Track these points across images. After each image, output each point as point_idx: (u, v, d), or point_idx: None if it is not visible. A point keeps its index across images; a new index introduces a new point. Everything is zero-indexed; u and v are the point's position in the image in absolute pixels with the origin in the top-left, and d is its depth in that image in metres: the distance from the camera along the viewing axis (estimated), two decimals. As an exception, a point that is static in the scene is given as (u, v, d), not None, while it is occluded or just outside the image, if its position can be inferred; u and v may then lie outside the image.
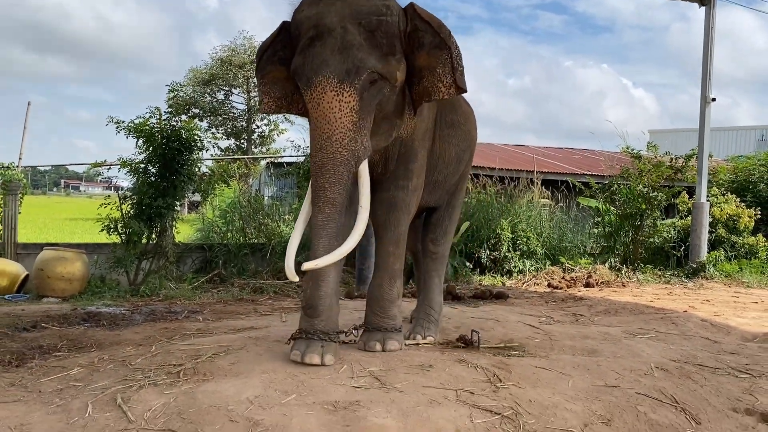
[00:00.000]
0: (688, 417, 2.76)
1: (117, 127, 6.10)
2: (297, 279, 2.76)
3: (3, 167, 6.79)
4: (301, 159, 8.50)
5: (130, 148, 6.14)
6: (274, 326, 3.85)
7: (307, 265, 2.71)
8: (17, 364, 3.07)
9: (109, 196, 6.33)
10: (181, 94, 19.99)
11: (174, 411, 2.33)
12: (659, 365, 3.31)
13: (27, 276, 6.03)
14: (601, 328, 4.30)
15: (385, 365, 2.88)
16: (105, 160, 6.50)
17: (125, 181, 7.22)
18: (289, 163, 9.79)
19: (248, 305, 5.04)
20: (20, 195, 6.66)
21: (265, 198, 10.03)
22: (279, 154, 16.62)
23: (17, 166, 7.08)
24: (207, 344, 3.22)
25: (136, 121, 6.06)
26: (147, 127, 6.04)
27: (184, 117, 6.41)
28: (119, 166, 6.34)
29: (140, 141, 6.08)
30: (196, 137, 6.20)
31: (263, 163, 14.43)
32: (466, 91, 2.95)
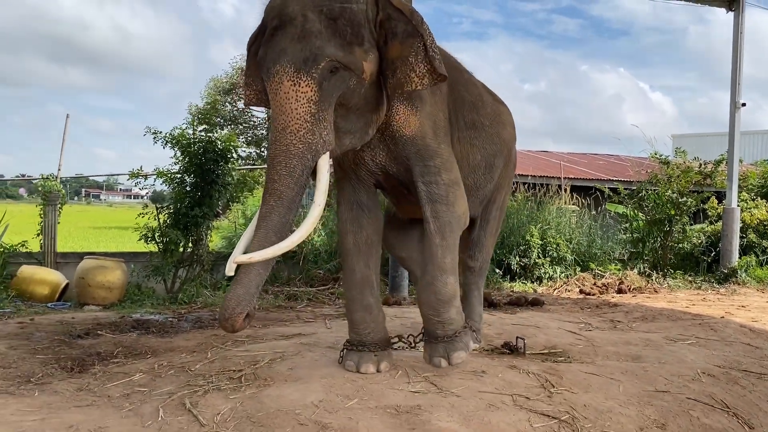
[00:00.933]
0: (740, 422, 2.80)
1: (154, 138, 6.24)
2: (232, 273, 2.57)
3: (43, 178, 6.96)
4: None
5: (151, 157, 6.27)
6: (321, 333, 3.93)
7: (240, 258, 2.52)
8: (79, 370, 3.18)
9: (146, 206, 6.45)
10: (218, 106, 20.17)
11: (242, 415, 2.42)
12: (705, 371, 3.35)
13: (67, 284, 6.17)
14: (641, 334, 4.32)
15: (439, 371, 2.94)
16: (141, 167, 6.63)
17: (145, 189, 7.35)
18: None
19: (289, 312, 5.13)
20: (59, 205, 6.83)
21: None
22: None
23: (56, 177, 7.25)
24: (262, 350, 3.31)
25: (174, 132, 6.20)
26: (184, 138, 6.18)
27: (205, 126, 6.54)
28: (155, 176, 6.48)
29: (177, 151, 6.23)
30: (232, 147, 6.33)
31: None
32: (446, 78, 2.79)
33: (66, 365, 3.23)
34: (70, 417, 2.42)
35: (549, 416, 2.53)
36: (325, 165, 2.66)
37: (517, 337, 3.60)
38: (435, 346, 2.99)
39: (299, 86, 2.53)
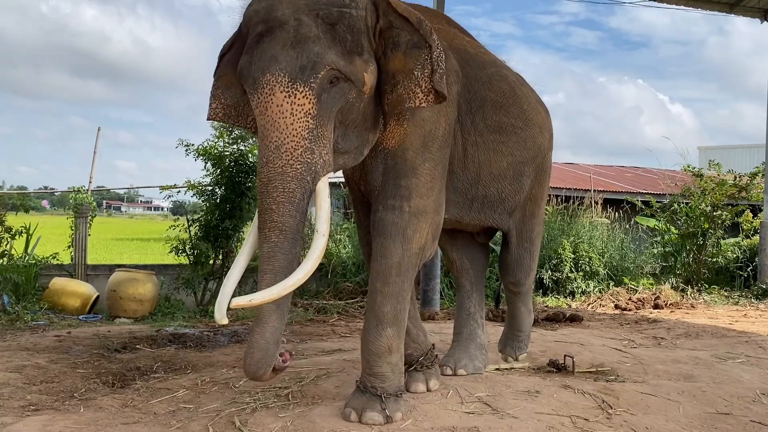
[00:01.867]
0: (810, 447, 2.66)
1: (186, 150, 6.24)
2: (225, 321, 2.26)
3: (74, 191, 6.99)
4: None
5: (170, 168, 6.26)
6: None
7: (236, 301, 2.18)
8: (121, 385, 3.14)
9: (177, 218, 6.45)
10: None
11: (295, 435, 2.34)
12: (765, 392, 3.21)
13: (98, 297, 6.16)
14: (688, 352, 4.19)
15: (491, 390, 2.86)
16: (175, 184, 6.65)
17: (164, 201, 7.38)
18: (334, 183, 9.84)
19: (324, 326, 5.06)
20: (90, 218, 6.84)
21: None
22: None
23: (87, 190, 7.27)
24: (306, 366, 3.24)
25: (205, 145, 6.20)
26: (216, 151, 6.18)
27: (226, 138, 6.48)
28: (187, 189, 6.47)
29: (208, 164, 6.22)
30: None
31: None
32: (445, 97, 2.47)
33: (107, 380, 3.19)
34: (118, 435, 2.36)
35: (611, 440, 2.43)
36: (325, 189, 2.35)
37: (565, 355, 3.50)
38: (356, 395, 2.57)
39: (295, 98, 2.22)
